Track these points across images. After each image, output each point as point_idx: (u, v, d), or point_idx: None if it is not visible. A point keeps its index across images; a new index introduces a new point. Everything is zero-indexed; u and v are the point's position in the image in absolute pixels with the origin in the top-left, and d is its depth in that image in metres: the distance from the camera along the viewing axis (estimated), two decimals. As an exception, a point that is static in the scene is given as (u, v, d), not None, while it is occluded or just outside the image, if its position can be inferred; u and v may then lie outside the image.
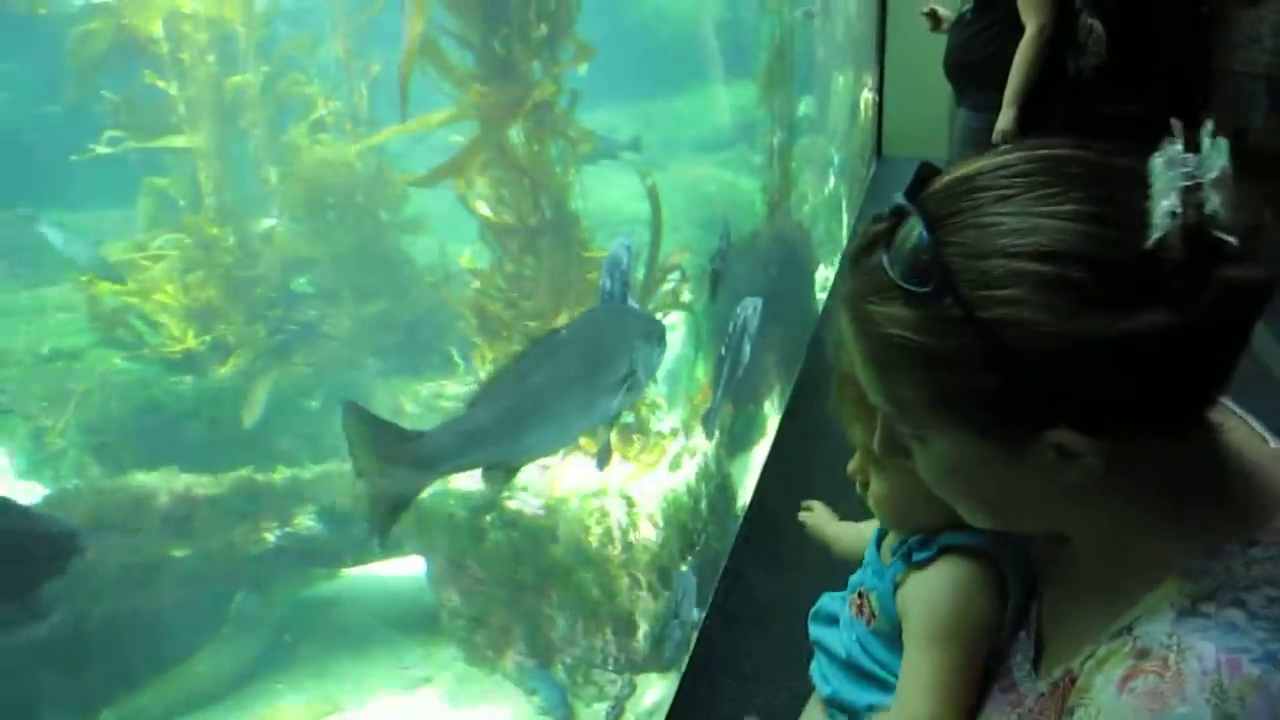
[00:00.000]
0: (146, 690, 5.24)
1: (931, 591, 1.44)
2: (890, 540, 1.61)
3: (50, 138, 8.05)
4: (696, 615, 5.01)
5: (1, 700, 4.78)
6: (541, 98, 4.37)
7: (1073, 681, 1.17)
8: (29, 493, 6.35)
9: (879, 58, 13.11)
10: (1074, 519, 1.22)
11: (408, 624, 5.22)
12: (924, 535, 1.50)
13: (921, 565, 1.49)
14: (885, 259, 1.08)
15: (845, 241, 9.96)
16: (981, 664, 1.39)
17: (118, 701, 5.19)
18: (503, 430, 2.62)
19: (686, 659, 4.93)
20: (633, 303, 3.87)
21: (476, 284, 4.97)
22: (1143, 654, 1.03)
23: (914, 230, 1.06)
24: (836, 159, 9.61)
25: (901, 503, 1.51)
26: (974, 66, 6.74)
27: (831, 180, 9.40)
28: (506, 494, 4.54)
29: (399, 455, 2.50)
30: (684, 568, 4.87)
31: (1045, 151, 1.07)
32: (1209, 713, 0.96)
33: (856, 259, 1.15)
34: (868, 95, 11.90)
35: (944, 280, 1.02)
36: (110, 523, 5.57)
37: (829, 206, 9.15)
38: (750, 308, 5.13)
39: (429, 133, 7.07)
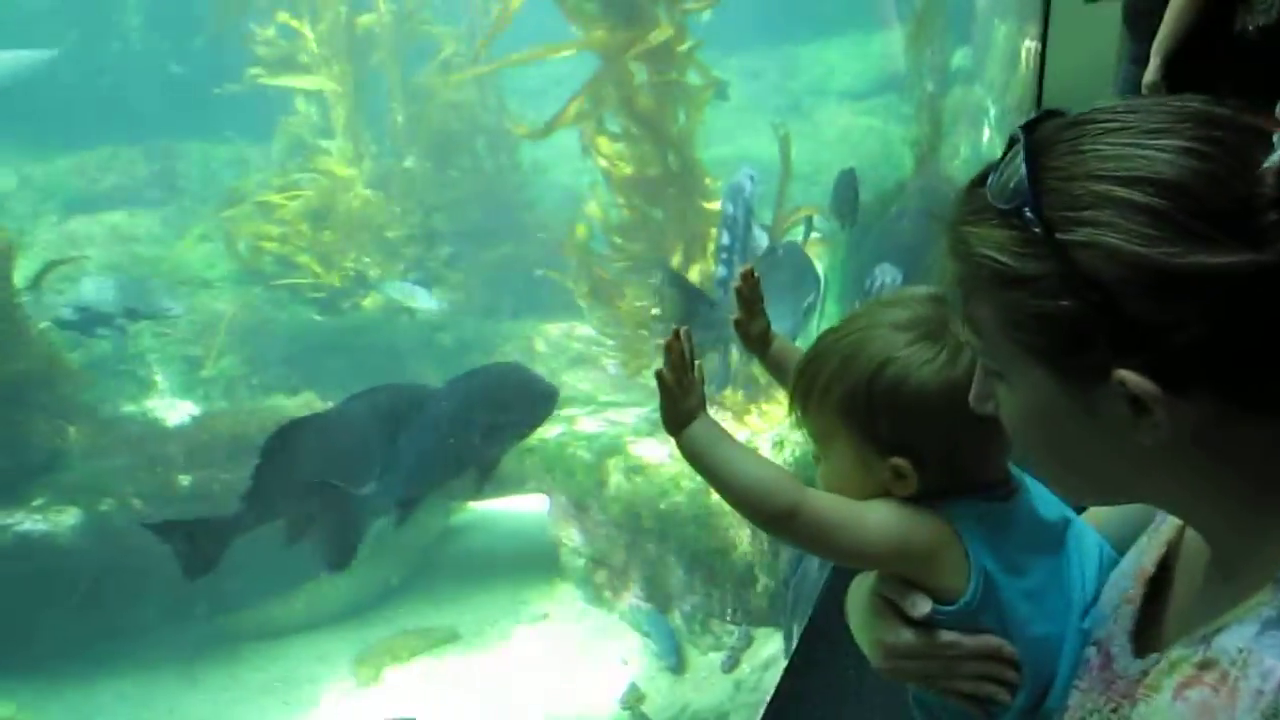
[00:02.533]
0: (277, 602, 5.38)
1: (892, 501, 1.40)
2: None
3: (193, 72, 8.36)
4: (818, 572, 4.93)
5: (154, 608, 5.05)
6: (660, 39, 4.25)
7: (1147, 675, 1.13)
8: (182, 411, 6.67)
9: (1044, 3, 12.51)
10: (1156, 493, 1.15)
11: (528, 560, 5.30)
12: None
13: None
14: (989, 183, 1.06)
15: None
16: (885, 555, 1.38)
17: (252, 609, 5.39)
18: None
19: (807, 615, 4.87)
20: (758, 231, 3.86)
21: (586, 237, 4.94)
22: (1206, 665, 0.99)
23: (1017, 156, 1.04)
24: (993, 111, 9.24)
25: (834, 487, 1.47)
26: (1147, 15, 6.31)
27: (987, 133, 9.05)
28: (630, 439, 4.53)
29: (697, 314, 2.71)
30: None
31: (1171, 99, 1.03)
32: None
33: (968, 188, 1.12)
34: (1029, 44, 11.37)
35: (1030, 199, 1.00)
36: (253, 444, 5.76)
37: (983, 161, 8.77)
38: (888, 275, 4.94)
39: (558, 84, 7.06)
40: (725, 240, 3.92)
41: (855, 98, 6.67)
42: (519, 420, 3.49)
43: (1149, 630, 1.28)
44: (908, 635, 1.40)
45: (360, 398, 3.51)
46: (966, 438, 1.37)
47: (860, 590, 1.53)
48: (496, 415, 3.38)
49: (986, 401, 1.22)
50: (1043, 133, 1.06)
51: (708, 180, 4.42)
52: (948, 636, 1.39)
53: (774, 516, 1.37)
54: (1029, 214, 1.01)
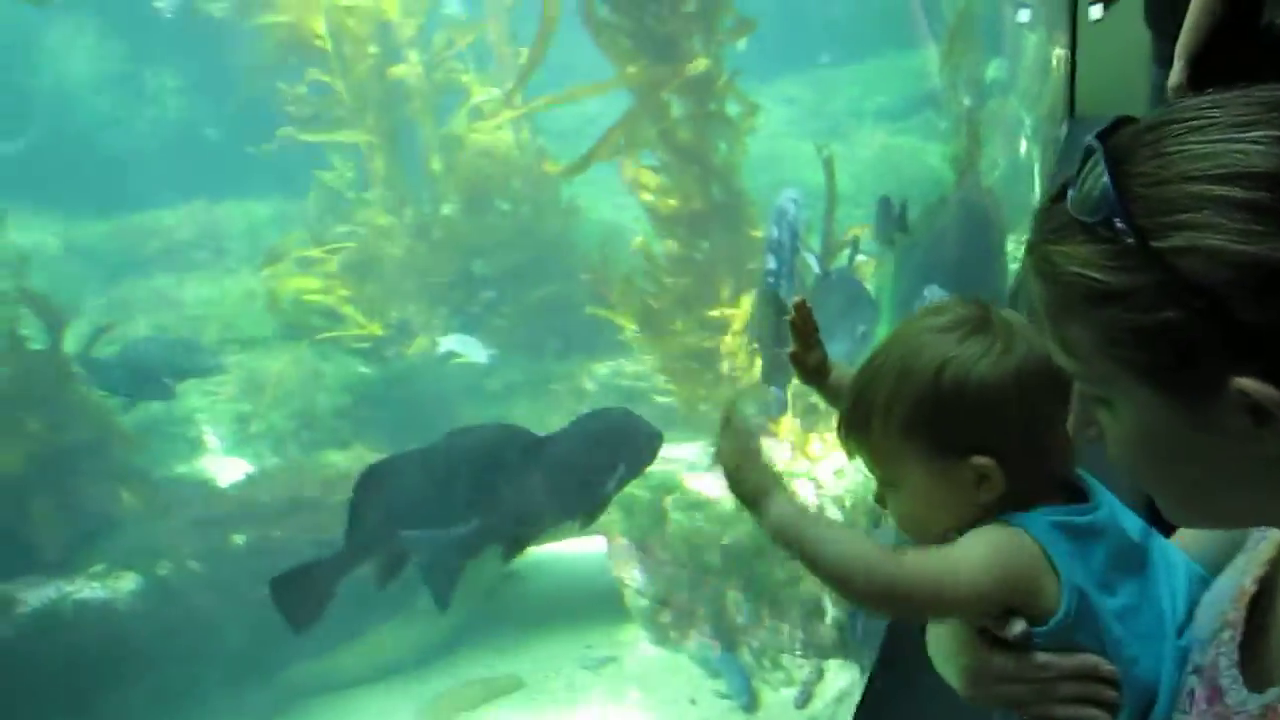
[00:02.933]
0: (336, 656, 5.33)
1: (976, 533, 1.36)
2: None
3: (229, 134, 8.46)
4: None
5: (214, 669, 5.03)
6: (696, 71, 4.23)
7: None
8: (235, 469, 6.68)
9: (1071, 8, 12.38)
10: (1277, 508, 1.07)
11: (590, 603, 5.23)
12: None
13: None
14: (1069, 198, 1.02)
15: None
16: (985, 601, 1.32)
17: (310, 665, 5.35)
18: None
19: (878, 646, 4.77)
20: (809, 257, 3.84)
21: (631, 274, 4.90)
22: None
23: (1097, 165, 1.00)
24: (1027, 121, 9.17)
25: (916, 511, 1.46)
26: (1170, 13, 6.17)
27: (1023, 144, 8.98)
28: (687, 475, 4.47)
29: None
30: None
31: (1247, 89, 0.99)
32: None
33: (1045, 206, 1.08)
34: (1059, 52, 11.30)
35: (1118, 208, 0.96)
36: (307, 500, 5.76)
37: (1020, 171, 8.74)
38: (935, 297, 4.87)
39: (591, 122, 7.06)
40: (772, 265, 3.89)
41: (892, 117, 6.62)
42: (628, 464, 3.52)
43: (1255, 657, 1.22)
44: (999, 659, 1.35)
45: (461, 434, 3.58)
46: (1040, 424, 1.33)
47: (941, 624, 1.48)
48: (606, 459, 3.41)
49: (1088, 428, 1.17)
50: (1119, 140, 1.02)
51: (753, 209, 4.36)
52: (1042, 658, 1.33)
53: (873, 596, 1.33)
54: (1119, 224, 0.96)
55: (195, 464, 6.87)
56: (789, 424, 4.46)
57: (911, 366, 1.38)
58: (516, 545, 3.51)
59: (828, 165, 4.39)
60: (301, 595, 3.43)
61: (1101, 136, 1.03)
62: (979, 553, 1.33)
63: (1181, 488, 1.11)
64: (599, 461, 3.41)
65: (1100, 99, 12.98)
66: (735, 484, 1.42)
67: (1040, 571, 1.33)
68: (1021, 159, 8.86)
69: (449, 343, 6.11)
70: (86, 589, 5.24)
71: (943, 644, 1.48)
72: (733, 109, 4.41)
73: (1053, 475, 1.41)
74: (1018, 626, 1.34)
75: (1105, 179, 0.98)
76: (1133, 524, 1.45)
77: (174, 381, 6.14)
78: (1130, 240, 0.95)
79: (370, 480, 3.47)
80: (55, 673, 4.87)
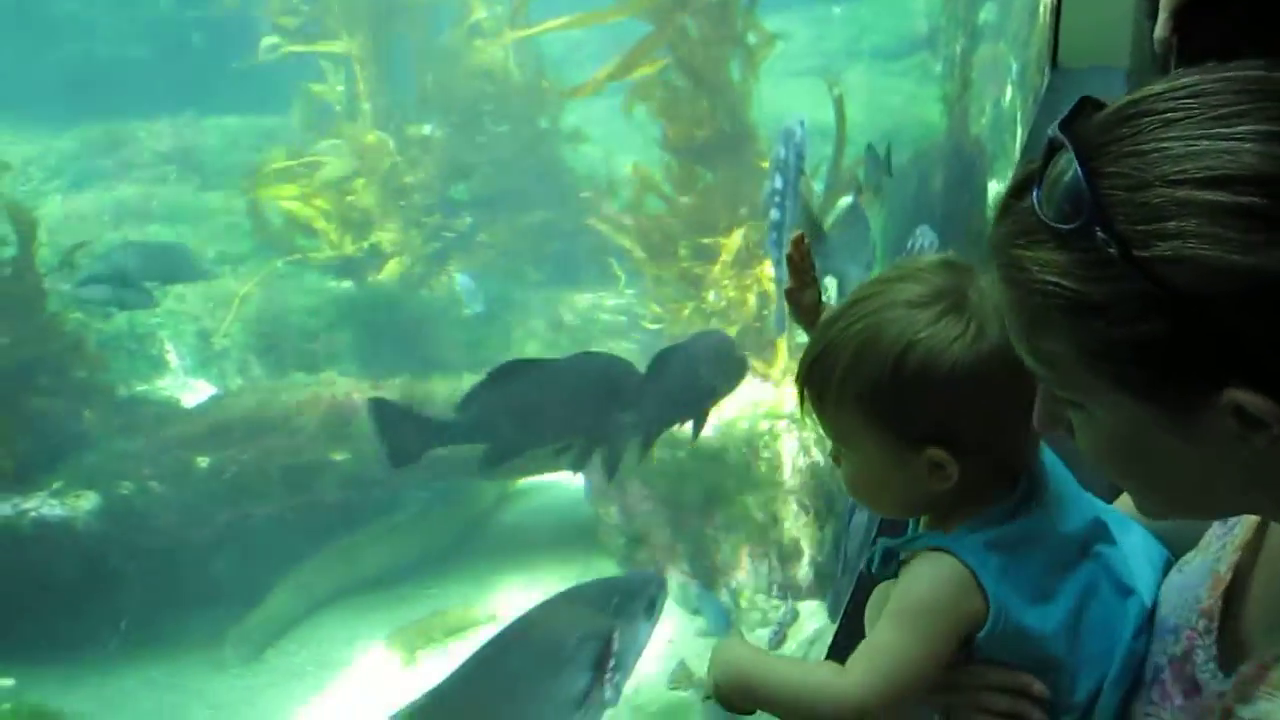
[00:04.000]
0: (300, 578, 5.32)
1: (908, 578, 1.32)
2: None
3: (215, 43, 8.17)
4: (860, 546, 4.85)
5: (177, 591, 4.96)
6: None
7: (1263, 671, 1.05)
8: (197, 390, 6.54)
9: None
10: (1258, 504, 1.04)
11: (566, 538, 5.19)
12: (887, 547, 1.40)
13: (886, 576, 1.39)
14: (1035, 198, 0.94)
15: (1017, 156, 9.40)
16: (939, 659, 1.27)
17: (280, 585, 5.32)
18: None
19: (848, 594, 4.77)
20: (810, 182, 3.83)
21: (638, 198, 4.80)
22: None
23: (1067, 164, 0.92)
24: (1015, 67, 9.08)
25: (866, 485, 1.39)
26: None
27: (1009, 91, 8.90)
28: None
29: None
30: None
31: (1225, 73, 0.92)
32: None
33: (1007, 203, 1.01)
34: (1046, -1, 11.20)
35: (1096, 215, 0.89)
36: (274, 422, 5.65)
37: (1005, 119, 8.68)
38: (926, 239, 4.82)
39: (587, 39, 6.87)
40: (778, 184, 3.82)
41: (888, 57, 6.50)
42: (726, 382, 3.75)
43: (1230, 644, 1.19)
44: None
45: (581, 357, 3.84)
46: (1006, 418, 1.26)
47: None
48: (714, 375, 3.65)
49: (1057, 425, 1.11)
50: (1086, 132, 0.95)
51: (759, 141, 4.28)
52: (975, 667, 1.30)
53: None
54: (1100, 234, 0.89)
55: (157, 383, 6.73)
56: (783, 358, 4.42)
57: (874, 341, 1.29)
58: (648, 441, 3.72)
59: (838, 104, 4.30)
60: (405, 434, 3.44)
61: (1064, 126, 0.96)
62: (913, 621, 1.28)
63: (1158, 486, 1.08)
64: (706, 378, 3.66)
65: (1084, 50, 12.93)
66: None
67: (974, 596, 1.29)
68: (1006, 106, 8.79)
69: (463, 282, 5.99)
70: (45, 506, 5.12)
71: None
72: (750, 39, 4.29)
73: (1010, 468, 1.33)
74: None
75: (1081, 182, 0.91)
76: (1076, 511, 1.40)
77: (159, 287, 5.91)
78: (1111, 250, 0.89)
79: (502, 372, 3.50)
80: (12, 589, 4.78)
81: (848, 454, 1.37)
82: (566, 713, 2.30)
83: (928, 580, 1.30)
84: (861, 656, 1.28)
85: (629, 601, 2.56)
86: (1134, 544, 1.44)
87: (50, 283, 5.49)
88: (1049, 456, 1.39)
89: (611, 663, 2.36)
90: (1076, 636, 1.34)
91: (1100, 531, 1.40)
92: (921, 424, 1.28)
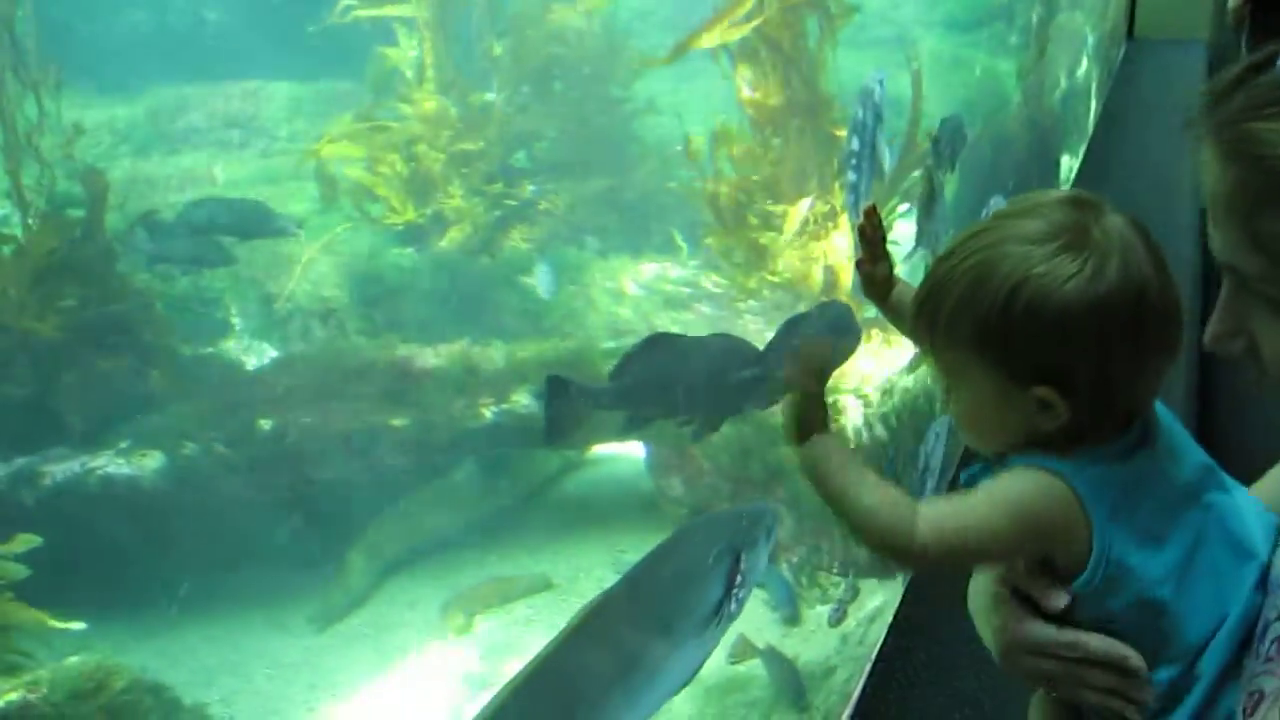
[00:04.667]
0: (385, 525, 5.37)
1: (1013, 475, 1.32)
2: None
3: (289, 6, 8.19)
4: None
5: (241, 549, 5.01)
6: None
7: None
8: (260, 354, 6.61)
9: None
10: None
11: (626, 509, 5.18)
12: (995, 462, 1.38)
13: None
14: None
15: (1091, 131, 9.20)
16: (1011, 551, 1.31)
17: (337, 553, 5.33)
18: None
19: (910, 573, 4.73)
20: (884, 145, 3.74)
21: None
22: None
23: None
24: (1091, 39, 8.85)
25: (973, 423, 1.39)
26: None
27: (1084, 63, 8.67)
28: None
29: None
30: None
31: None
32: None
33: (1239, 77, 0.96)
34: (1122, -36, 10.90)
35: None
36: (334, 386, 5.69)
37: (1080, 91, 8.46)
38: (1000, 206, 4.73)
39: (658, 7, 6.78)
40: (855, 146, 3.73)
41: (962, 28, 6.35)
42: (848, 346, 3.79)
43: None
44: (1035, 628, 1.31)
45: (715, 337, 3.81)
46: (1120, 360, 1.25)
47: (983, 577, 1.43)
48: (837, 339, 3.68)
49: (1234, 340, 1.05)
50: None
51: (833, 110, 4.20)
52: (1071, 635, 1.29)
53: (896, 553, 1.29)
54: None
55: (222, 345, 6.80)
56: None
57: (986, 277, 1.26)
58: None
59: (915, 77, 4.20)
60: (566, 408, 3.46)
61: None
62: (1006, 500, 1.28)
63: None
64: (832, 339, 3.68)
65: (1160, 21, 12.64)
66: (791, 409, 1.35)
67: (1072, 523, 1.27)
68: (1080, 77, 8.59)
69: (542, 272, 5.98)
70: (112, 465, 5.19)
71: (978, 599, 1.43)
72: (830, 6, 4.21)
73: (1123, 413, 1.30)
74: (1061, 600, 1.30)
75: None
76: (1196, 460, 1.37)
77: (238, 243, 5.88)
78: None
79: (648, 344, 3.62)
80: (77, 546, 4.85)
81: (957, 390, 1.36)
82: (703, 624, 2.52)
83: (1033, 484, 1.28)
84: (943, 505, 1.29)
85: (753, 526, 2.76)
86: (1246, 502, 1.38)
87: (121, 245, 5.55)
88: (1159, 407, 1.36)
89: (739, 579, 2.58)
90: (1186, 583, 1.30)
91: (1212, 480, 1.36)
92: (1030, 362, 1.26)
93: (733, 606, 2.56)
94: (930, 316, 1.33)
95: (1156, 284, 1.23)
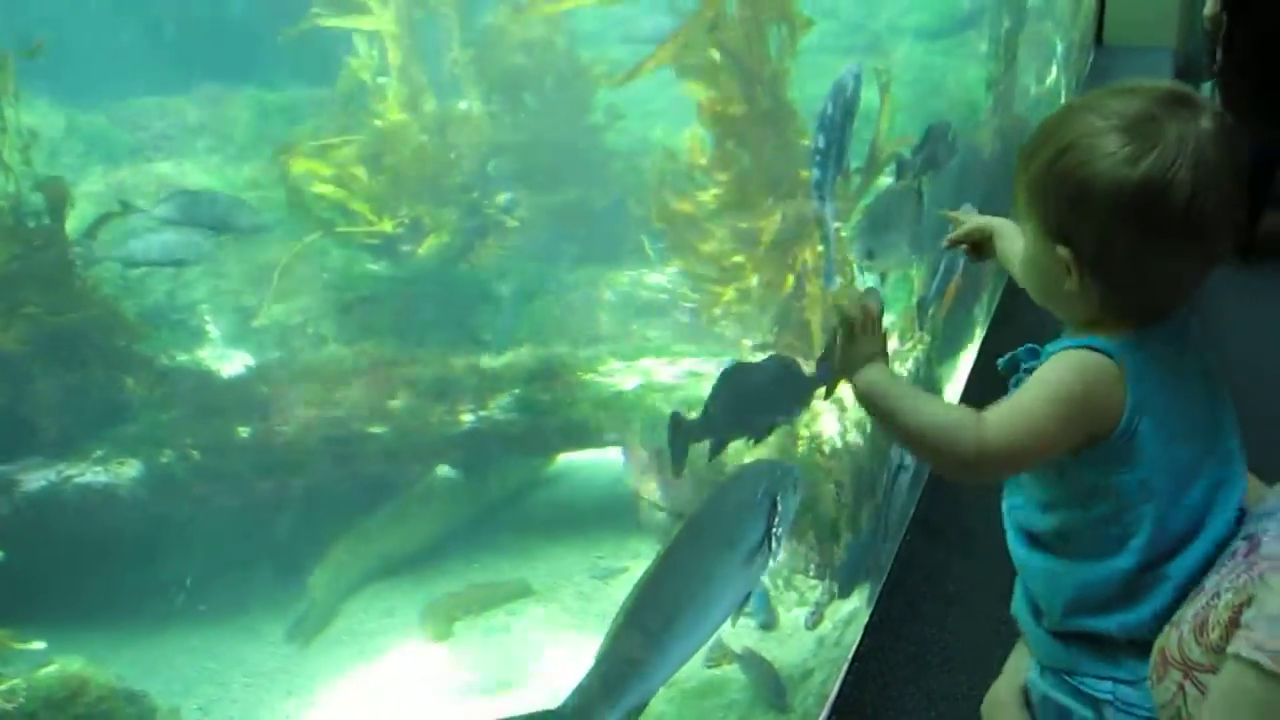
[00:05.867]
0: (354, 540, 5.36)
1: (1060, 359, 1.45)
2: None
3: (255, 15, 8.16)
4: (896, 529, 4.83)
5: (216, 560, 5.00)
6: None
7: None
8: (236, 362, 6.58)
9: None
10: None
11: (605, 514, 5.20)
12: (1033, 346, 1.54)
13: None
14: None
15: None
16: (1067, 441, 1.39)
17: (332, 551, 5.35)
18: (646, 661, 2.68)
19: (885, 572, 4.77)
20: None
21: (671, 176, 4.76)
22: None
23: None
24: (1060, 47, 8.95)
25: (1025, 267, 1.53)
26: None
27: (1054, 71, 8.77)
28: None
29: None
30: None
31: None
32: None
33: None
34: (1092, -28, 10.99)
35: None
36: (312, 396, 5.68)
37: (1049, 98, 8.56)
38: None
39: (615, 26, 6.80)
40: (820, 143, 3.72)
41: (933, 36, 6.42)
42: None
43: None
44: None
45: (770, 359, 4.02)
46: (1121, 244, 1.34)
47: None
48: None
49: None
50: None
51: (798, 120, 4.23)
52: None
53: (959, 457, 1.40)
54: None
55: (197, 354, 6.76)
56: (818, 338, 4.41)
57: (1053, 134, 1.40)
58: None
59: (884, 89, 4.25)
60: (682, 442, 3.65)
61: None
62: (1059, 380, 1.40)
63: None
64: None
65: (1128, 29, 12.79)
66: (847, 343, 1.46)
67: (1115, 397, 1.40)
68: (1050, 85, 8.67)
69: None
70: (89, 473, 5.17)
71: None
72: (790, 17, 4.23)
73: (1142, 304, 1.42)
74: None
75: None
76: (1219, 400, 1.50)
77: (213, 236, 5.77)
78: None
79: (726, 376, 3.80)
80: (54, 555, 4.82)
81: (1024, 233, 1.52)
82: (752, 555, 2.77)
83: (1080, 361, 1.42)
84: (1002, 411, 1.42)
85: (785, 475, 3.00)
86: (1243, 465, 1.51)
87: (87, 250, 5.51)
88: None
89: (777, 519, 2.82)
90: (1183, 485, 1.38)
91: (1227, 423, 1.51)
92: (1055, 220, 1.39)
93: (773, 544, 2.82)
94: (1023, 152, 1.47)
95: (1191, 191, 1.29)
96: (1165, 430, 1.40)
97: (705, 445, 3.63)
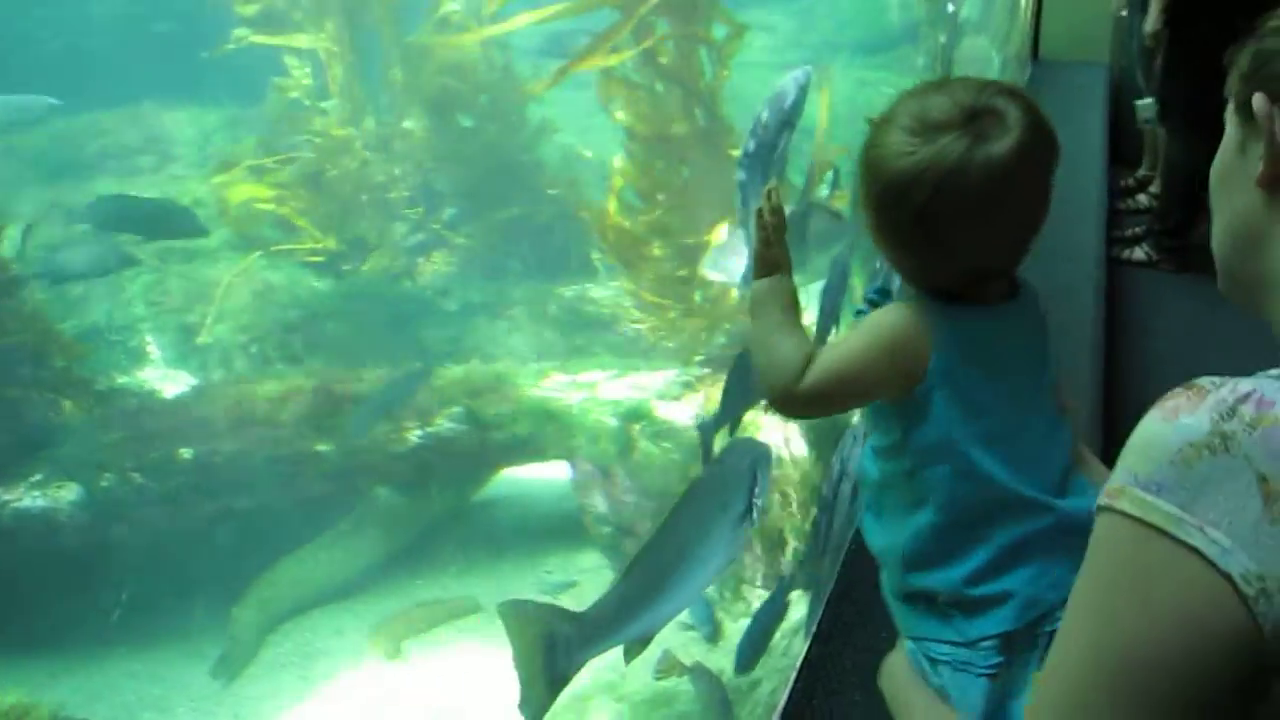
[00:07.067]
0: (277, 575, 5.28)
1: (881, 309, 1.53)
2: None
3: (180, 31, 8.08)
4: (841, 537, 4.86)
5: (159, 583, 4.93)
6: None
7: None
8: (178, 382, 6.50)
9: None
10: None
11: (551, 529, 5.20)
12: (879, 289, 1.63)
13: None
14: None
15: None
16: (876, 378, 1.48)
17: (255, 587, 5.27)
18: (655, 594, 2.90)
19: (833, 580, 4.80)
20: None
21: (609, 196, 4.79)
22: (1191, 384, 1.01)
23: None
24: (997, 61, 9.11)
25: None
26: None
27: (989, 86, 8.91)
28: (658, 400, 4.44)
29: (559, 637, 2.75)
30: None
31: None
32: (1206, 423, 0.95)
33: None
34: (1027, -7, 11.22)
35: None
36: (255, 415, 5.62)
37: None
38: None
39: (558, 42, 6.83)
40: (750, 147, 3.67)
41: (869, 51, 6.51)
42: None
43: None
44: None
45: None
46: (885, 229, 1.44)
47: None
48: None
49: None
50: None
51: (734, 136, 4.26)
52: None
53: (777, 390, 1.49)
54: None
55: (138, 375, 6.68)
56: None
57: (875, 123, 1.44)
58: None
59: (821, 100, 4.29)
60: (710, 436, 3.90)
61: None
62: (873, 325, 1.49)
63: None
64: None
65: (1064, 44, 13.01)
66: (760, 245, 1.57)
67: (920, 347, 1.46)
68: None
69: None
70: (27, 498, 5.09)
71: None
72: (719, 32, 4.26)
73: (939, 288, 1.48)
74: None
75: None
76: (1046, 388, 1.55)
77: (141, 243, 5.57)
78: None
79: (738, 362, 4.00)
80: (-8, 581, 4.75)
81: None
82: (739, 521, 3.00)
83: (894, 312, 1.50)
84: (823, 352, 1.50)
85: (764, 451, 3.18)
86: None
87: (18, 268, 5.43)
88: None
89: (758, 490, 3.03)
90: (986, 454, 1.45)
91: (1048, 406, 1.56)
92: (868, 200, 1.46)
93: (754, 514, 3.06)
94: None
95: (927, 198, 1.37)
96: (965, 399, 1.48)
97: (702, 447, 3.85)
